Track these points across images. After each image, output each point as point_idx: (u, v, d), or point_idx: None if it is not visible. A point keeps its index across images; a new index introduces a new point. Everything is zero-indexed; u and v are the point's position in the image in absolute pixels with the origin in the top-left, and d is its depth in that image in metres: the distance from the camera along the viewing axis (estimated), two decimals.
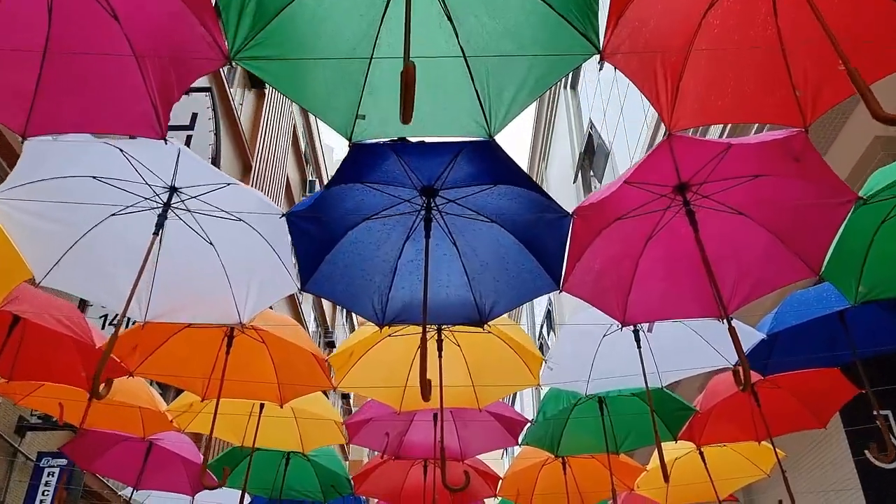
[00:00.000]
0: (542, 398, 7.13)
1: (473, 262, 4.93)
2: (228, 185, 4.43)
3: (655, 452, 8.98)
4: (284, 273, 4.71)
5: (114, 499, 11.48)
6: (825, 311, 5.48)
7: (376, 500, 9.71)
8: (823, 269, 4.69)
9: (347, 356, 5.90)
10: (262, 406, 6.96)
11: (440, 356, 5.76)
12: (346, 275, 4.83)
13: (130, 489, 9.08)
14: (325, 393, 7.59)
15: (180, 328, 5.82)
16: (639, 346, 5.82)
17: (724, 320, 4.26)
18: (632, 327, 5.94)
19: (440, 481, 9.20)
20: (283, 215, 4.29)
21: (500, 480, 8.49)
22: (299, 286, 4.68)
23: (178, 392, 8.12)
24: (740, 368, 4.15)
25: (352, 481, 8.39)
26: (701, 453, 8.60)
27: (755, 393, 7.47)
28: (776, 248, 4.74)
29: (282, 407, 6.32)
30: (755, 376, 6.76)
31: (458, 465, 8.54)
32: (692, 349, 6.19)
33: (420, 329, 4.14)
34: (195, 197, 4.52)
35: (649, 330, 5.76)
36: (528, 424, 7.22)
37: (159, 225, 4.42)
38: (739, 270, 4.86)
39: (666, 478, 5.46)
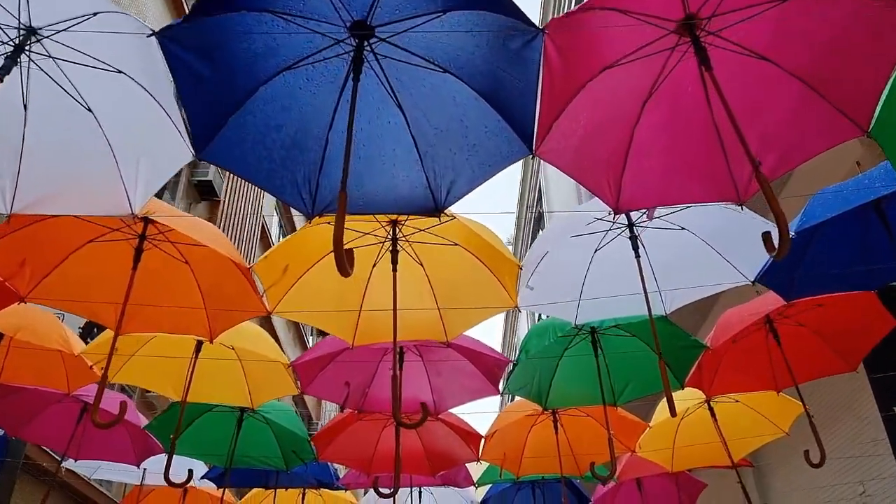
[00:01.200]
0: (524, 337, 6.05)
1: (425, 129, 3.83)
2: (96, 14, 3.34)
3: (658, 407, 7.94)
4: (177, 137, 3.61)
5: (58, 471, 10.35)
6: (862, 201, 4.35)
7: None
8: (873, 125, 3.60)
9: (280, 271, 4.80)
10: (198, 346, 5.87)
11: (395, 270, 4.68)
12: (259, 144, 3.72)
13: (71, 460, 8.04)
14: (280, 346, 6.51)
15: (81, 244, 4.76)
16: (637, 255, 4.72)
17: (754, 174, 3.13)
18: (627, 233, 4.85)
19: (418, 444, 8.16)
20: (153, 33, 3.18)
21: (483, 440, 7.38)
22: (193, 153, 3.58)
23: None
24: (771, 233, 3.07)
25: (312, 445, 7.29)
26: (711, 409, 7.51)
27: (775, 331, 6.38)
28: (810, 100, 3.63)
29: (211, 342, 5.23)
30: (775, 302, 5.68)
31: (435, 425, 7.46)
32: (702, 264, 5.09)
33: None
34: (51, 37, 3.43)
35: (648, 217, 4.65)
36: (510, 367, 6.10)
37: (4, 70, 3.34)
38: (765, 135, 3.76)
39: (672, 411, 4.35)
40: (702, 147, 3.91)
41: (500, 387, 6.29)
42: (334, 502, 9.95)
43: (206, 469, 8.35)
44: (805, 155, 3.76)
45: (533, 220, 22.96)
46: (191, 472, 6.06)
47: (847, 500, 9.60)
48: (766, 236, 3.10)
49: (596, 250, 5.14)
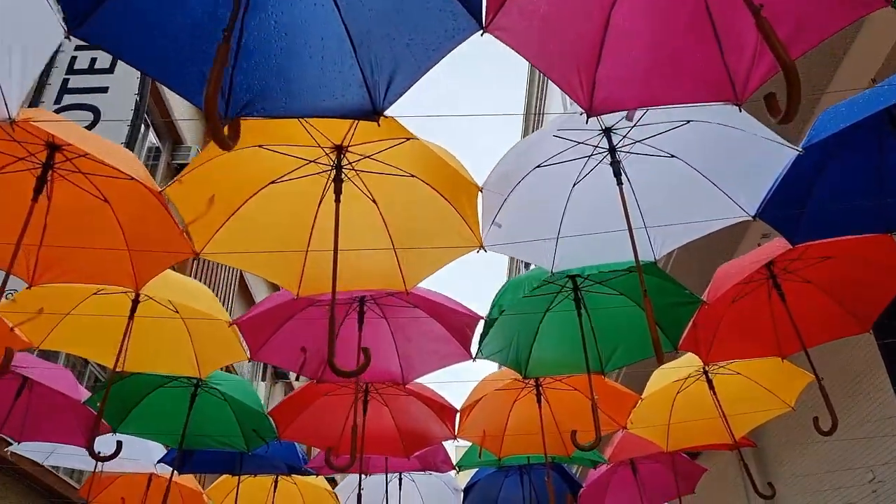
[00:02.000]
0: (497, 292, 5.35)
1: (358, 12, 3.17)
2: None
3: (652, 377, 7.22)
4: (46, 11, 2.94)
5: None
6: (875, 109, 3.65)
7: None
8: None
9: (204, 201, 4.10)
10: (135, 303, 5.19)
11: (337, 201, 4.00)
12: (154, 25, 3.06)
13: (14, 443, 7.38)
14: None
15: None
16: (619, 182, 4.03)
17: (755, 22, 2.44)
18: (608, 159, 4.16)
19: (389, 422, 7.47)
20: None
21: (459, 415, 6.70)
22: (66, 29, 2.90)
23: None
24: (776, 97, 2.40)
25: (273, 421, 6.60)
26: (709, 381, 6.82)
27: (779, 287, 5.70)
28: None
29: (138, 292, 4.56)
30: (781, 246, 5.00)
31: (407, 402, 6.79)
32: (696, 198, 4.41)
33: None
34: None
35: (629, 119, 3.97)
36: (482, 324, 5.40)
37: None
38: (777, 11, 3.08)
39: (659, 358, 3.66)
40: (692, 34, 3.24)
41: (474, 351, 5.61)
42: (310, 491, 9.26)
43: (165, 452, 7.65)
44: (819, 33, 3.08)
45: (542, 124, 20.95)
46: (119, 444, 5.35)
47: (857, 486, 8.91)
48: (771, 98, 2.43)
49: (574, 184, 4.47)
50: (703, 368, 6.81)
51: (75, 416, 6.88)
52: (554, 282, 5.21)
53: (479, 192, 4.16)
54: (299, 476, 8.96)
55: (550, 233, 4.56)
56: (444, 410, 6.61)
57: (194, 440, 7.03)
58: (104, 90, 10.59)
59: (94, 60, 10.79)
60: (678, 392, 7.03)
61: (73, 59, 10.79)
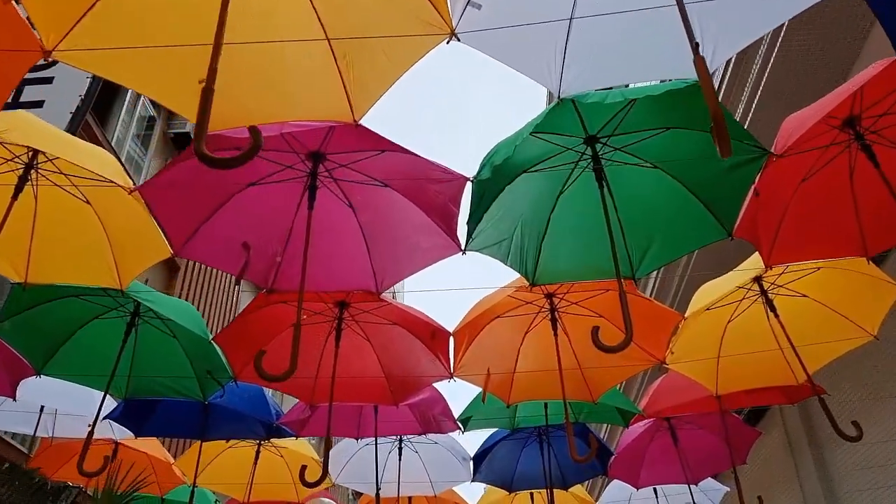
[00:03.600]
0: (490, 151, 3.94)
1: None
2: None
3: (696, 298, 5.69)
4: None
5: None
6: None
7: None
8: None
9: None
10: (25, 174, 3.93)
11: None
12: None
13: None
14: None
15: None
16: None
17: None
18: None
19: (374, 363, 6.09)
20: None
21: (453, 342, 5.30)
22: None
23: None
24: None
25: (222, 351, 5.28)
26: (770, 303, 5.33)
27: (868, 148, 4.22)
28: None
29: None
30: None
31: (390, 333, 5.44)
32: None
33: None
34: None
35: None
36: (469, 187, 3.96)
37: None
38: None
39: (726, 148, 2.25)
40: None
41: (463, 242, 4.23)
42: (296, 460, 7.94)
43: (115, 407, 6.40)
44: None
45: None
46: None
47: None
48: None
49: None
50: (761, 286, 5.34)
51: None
52: (562, 134, 3.81)
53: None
54: (282, 442, 7.68)
55: (553, 35, 3.18)
56: (435, 338, 5.23)
57: (140, 386, 5.78)
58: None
59: None
60: (730, 319, 5.57)
61: None
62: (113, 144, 11.90)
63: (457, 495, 8.87)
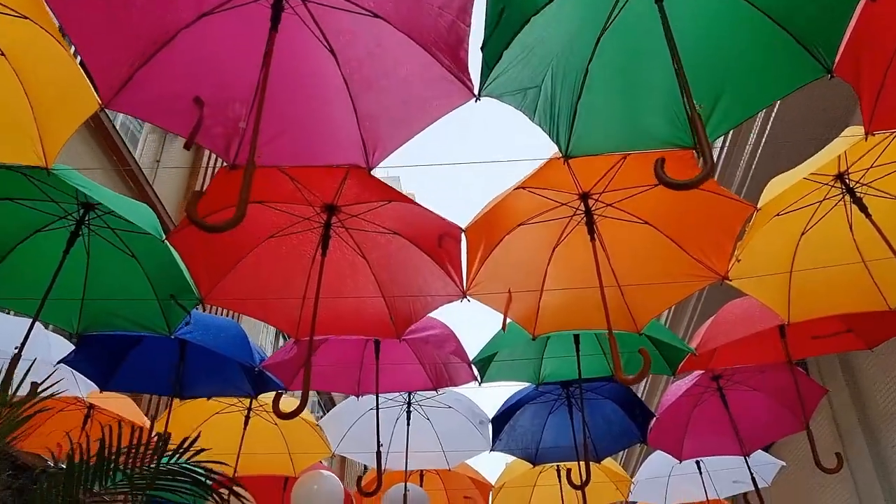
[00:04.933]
0: None
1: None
2: None
3: (766, 193, 4.47)
4: None
5: None
6: None
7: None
8: None
9: None
10: None
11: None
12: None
13: None
14: None
15: None
16: None
17: None
18: None
19: (370, 282, 4.99)
20: None
21: (466, 242, 4.24)
22: None
23: None
24: None
25: (182, 262, 4.28)
26: (859, 203, 4.20)
27: None
28: None
29: None
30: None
31: (385, 246, 4.43)
32: None
33: None
34: None
35: None
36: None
37: None
38: None
39: None
40: None
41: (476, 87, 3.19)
42: (292, 429, 6.92)
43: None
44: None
45: None
46: None
47: None
48: None
49: None
50: (846, 184, 4.24)
51: None
52: None
53: None
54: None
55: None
56: (444, 244, 4.17)
57: (94, 317, 4.79)
58: None
59: None
60: (805, 228, 4.45)
61: None
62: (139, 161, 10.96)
63: (472, 470, 7.77)
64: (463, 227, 4.09)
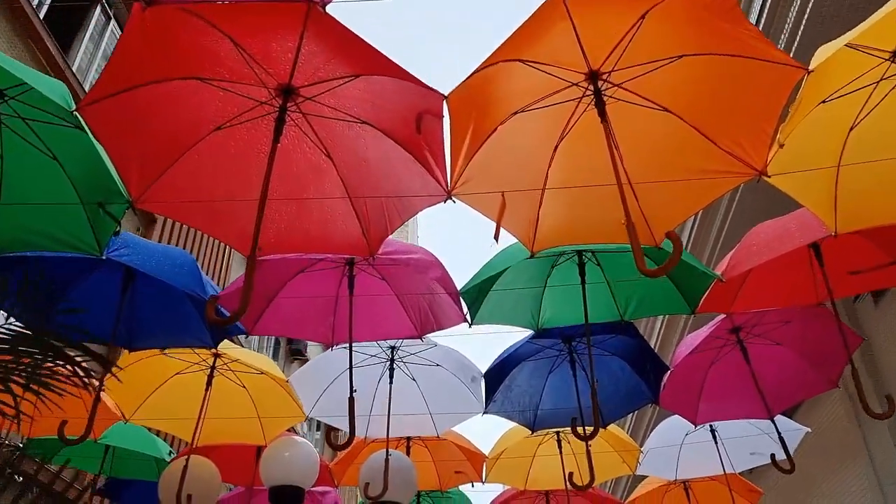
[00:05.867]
0: None
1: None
2: None
3: (806, 89, 3.53)
4: None
5: None
6: None
7: None
8: None
9: None
10: None
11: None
12: None
13: None
14: None
15: None
16: None
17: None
18: None
19: (335, 182, 4.04)
20: None
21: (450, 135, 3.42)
22: None
23: None
24: None
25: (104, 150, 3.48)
26: None
27: None
28: None
29: None
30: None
31: (358, 131, 3.64)
32: None
33: None
34: None
35: None
36: None
37: None
38: None
39: None
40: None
41: None
42: (261, 389, 6.12)
43: None
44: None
45: None
46: None
47: None
48: None
49: None
50: None
51: None
52: None
53: None
54: (235, 353, 5.84)
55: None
56: (424, 128, 3.34)
57: (7, 233, 3.98)
58: None
59: None
60: (861, 114, 3.66)
61: None
62: (75, 72, 10.30)
63: (464, 440, 6.95)
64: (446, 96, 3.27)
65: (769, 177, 3.56)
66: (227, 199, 3.61)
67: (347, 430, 4.56)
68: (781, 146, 3.38)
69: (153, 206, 3.65)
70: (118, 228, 3.78)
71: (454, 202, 3.55)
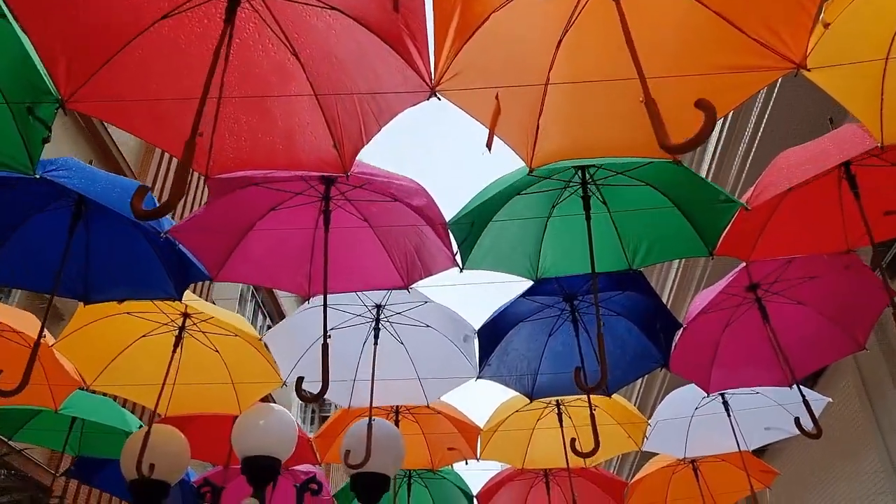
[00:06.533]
0: None
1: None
2: None
3: None
4: None
5: None
6: None
7: None
8: None
9: None
10: None
11: None
12: None
13: None
14: None
15: None
16: None
17: None
18: None
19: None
20: None
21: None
22: None
23: None
24: None
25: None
26: None
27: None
28: None
29: None
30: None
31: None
32: None
33: None
34: None
35: None
36: None
37: None
38: None
39: None
40: None
41: None
42: (235, 352, 5.56)
43: None
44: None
45: None
46: None
47: None
48: None
49: None
50: None
51: None
52: None
53: None
54: (211, 310, 5.28)
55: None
56: (405, 14, 2.80)
57: None
58: None
59: None
60: None
61: None
62: None
63: (457, 411, 6.38)
64: None
65: (808, 70, 3.01)
66: (175, 98, 3.04)
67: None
68: (827, 26, 2.83)
69: (87, 108, 3.08)
70: (48, 135, 3.21)
71: (439, 99, 2.98)
